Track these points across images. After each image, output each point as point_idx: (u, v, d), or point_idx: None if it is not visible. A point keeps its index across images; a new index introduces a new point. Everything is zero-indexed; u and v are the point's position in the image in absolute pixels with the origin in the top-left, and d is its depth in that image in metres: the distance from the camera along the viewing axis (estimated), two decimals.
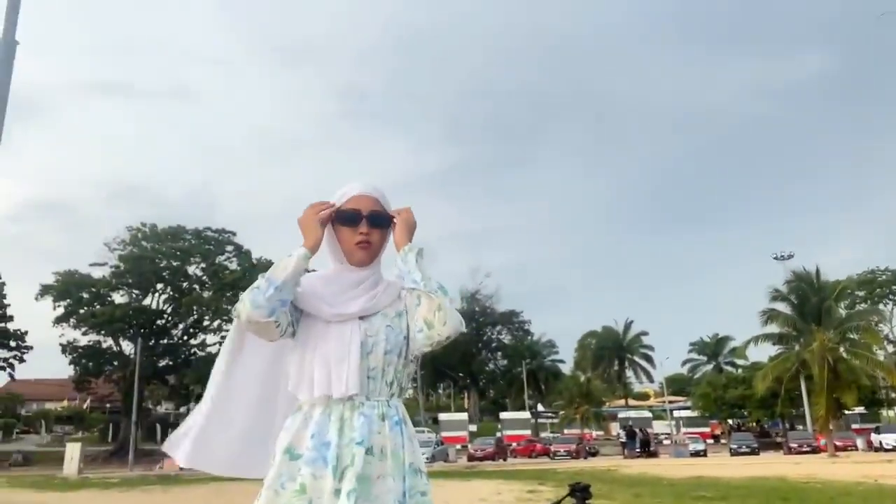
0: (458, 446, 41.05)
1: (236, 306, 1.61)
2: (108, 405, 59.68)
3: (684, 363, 69.10)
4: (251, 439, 1.69)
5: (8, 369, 44.48)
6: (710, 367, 64.81)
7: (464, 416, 50.25)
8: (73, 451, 32.69)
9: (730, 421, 52.17)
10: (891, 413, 44.79)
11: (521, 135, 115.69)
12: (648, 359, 65.83)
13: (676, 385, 71.02)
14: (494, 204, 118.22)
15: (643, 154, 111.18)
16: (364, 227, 1.70)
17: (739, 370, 55.19)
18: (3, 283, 42.64)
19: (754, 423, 52.79)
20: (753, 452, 34.54)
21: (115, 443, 48.26)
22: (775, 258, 45.39)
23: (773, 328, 35.29)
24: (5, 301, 42.99)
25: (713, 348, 65.48)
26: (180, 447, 1.67)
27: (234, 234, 49.20)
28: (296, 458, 1.50)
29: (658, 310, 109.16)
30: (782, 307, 34.68)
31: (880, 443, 33.24)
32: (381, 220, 1.75)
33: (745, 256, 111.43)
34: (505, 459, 36.46)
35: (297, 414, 1.58)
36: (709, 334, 66.84)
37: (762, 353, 41.53)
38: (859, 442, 35.16)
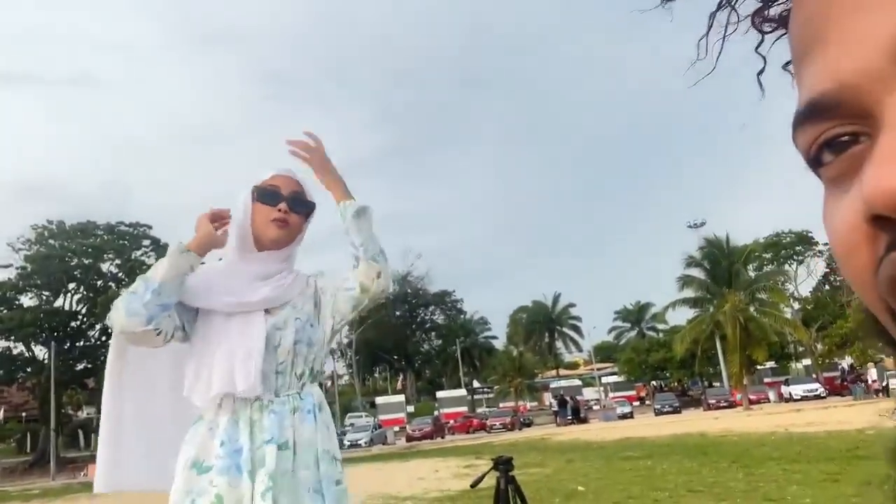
0: (397, 428, 41.28)
1: (109, 315, 1.48)
2: (23, 414, 56.40)
3: (610, 331, 71.83)
4: (166, 452, 1.55)
5: None
6: (633, 333, 67.62)
7: (400, 398, 50.48)
8: None
9: (653, 383, 54.69)
10: (799, 366, 48.09)
11: (447, 116, 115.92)
12: (577, 329, 68.06)
13: (604, 352, 73.74)
14: (423, 186, 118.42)
15: (565, 132, 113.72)
16: (283, 205, 1.58)
17: (661, 334, 57.94)
18: None
19: (676, 384, 55.58)
20: (676, 411, 36.39)
21: (34, 453, 45.67)
22: (689, 226, 47.58)
23: (689, 293, 37.25)
24: None
25: (636, 315, 68.28)
26: (96, 478, 1.56)
27: (149, 227, 47.14)
28: (205, 470, 1.40)
29: (584, 282, 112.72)
30: (696, 272, 36.58)
31: (790, 394, 35.67)
32: (302, 204, 1.63)
33: (663, 226, 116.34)
34: (443, 437, 36.95)
35: (198, 424, 1.47)
36: (632, 302, 69.71)
37: (680, 316, 43.53)
38: (771, 395, 37.61)
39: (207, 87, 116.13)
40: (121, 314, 1.47)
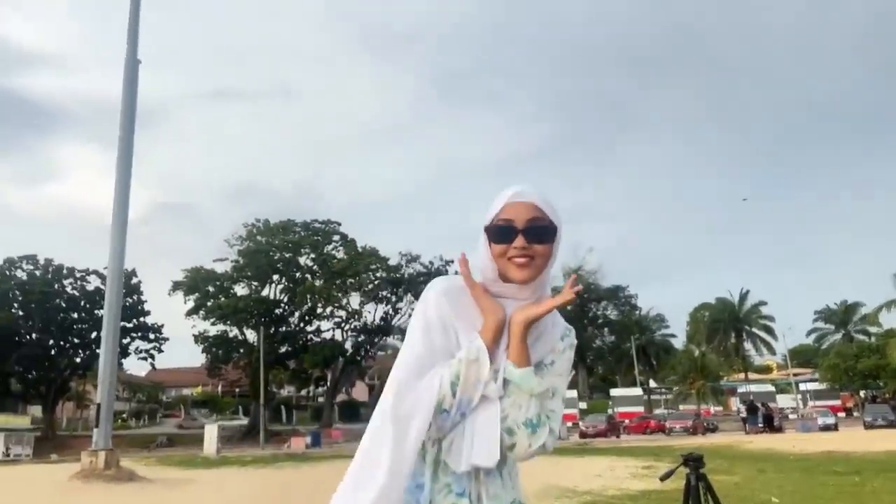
0: (570, 424, 40.95)
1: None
2: (237, 389, 64.43)
3: (809, 333, 64.77)
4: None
5: (149, 360, 48.86)
6: (838, 336, 60.36)
7: (573, 393, 49.87)
8: (211, 432, 35.63)
9: (862, 393, 48.57)
10: None
11: (622, 103, 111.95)
12: (769, 330, 62.26)
13: (801, 357, 66.74)
14: (598, 176, 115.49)
15: (759, 115, 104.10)
16: (520, 241, 1.36)
17: (872, 338, 51.11)
18: (140, 282, 46.73)
19: (890, 395, 48.86)
20: (891, 425, 32.11)
21: (247, 423, 51.97)
22: None
23: None
24: (143, 297, 47.14)
25: (841, 316, 60.90)
26: None
27: (339, 224, 51.31)
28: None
29: (777, 278, 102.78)
30: None
31: None
32: (542, 233, 1.39)
33: (879, 214, 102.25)
34: (618, 436, 35.99)
35: None
36: (836, 301, 62.29)
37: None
38: None
39: (386, 87, 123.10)
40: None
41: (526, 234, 1.37)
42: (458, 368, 1.33)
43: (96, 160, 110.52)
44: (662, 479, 3.27)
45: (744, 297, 63.67)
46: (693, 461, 3.18)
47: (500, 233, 1.38)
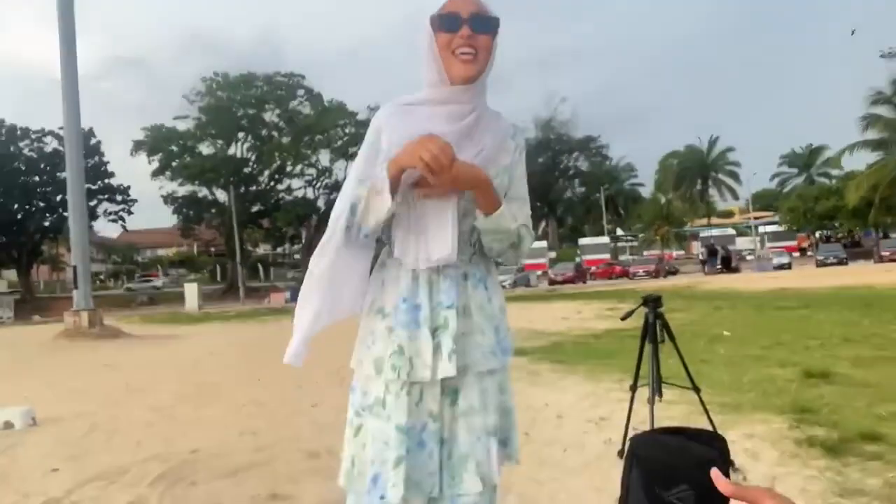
0: (539, 272, 42.60)
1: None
2: (212, 249, 64.97)
3: (773, 177, 66.41)
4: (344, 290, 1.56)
5: (119, 221, 48.52)
6: (801, 179, 62.01)
7: (542, 244, 51.35)
8: (191, 290, 36.40)
9: (818, 233, 50.84)
10: None
11: None
12: (734, 175, 63.63)
13: (763, 201, 68.86)
14: (572, 21, 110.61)
15: None
16: (465, 30, 1.42)
17: (833, 181, 52.65)
18: (100, 142, 45.15)
19: (845, 234, 51.32)
20: (841, 263, 34.03)
21: (224, 282, 53.02)
22: (882, 55, 40.96)
23: (873, 134, 33.07)
24: (104, 158, 45.79)
25: (805, 160, 62.18)
26: (296, 355, 1.54)
27: (302, 77, 49.18)
28: (385, 315, 1.48)
29: (746, 125, 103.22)
30: (884, 111, 32.14)
31: None
32: (486, 24, 1.44)
33: (846, 57, 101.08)
34: (585, 282, 37.70)
35: (383, 271, 1.53)
36: (801, 145, 63.24)
37: (858, 161, 39.10)
38: None
39: None
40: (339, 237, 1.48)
41: (471, 24, 1.43)
42: (361, 194, 1.43)
43: (37, 5, 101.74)
44: (623, 318, 3.48)
45: (713, 143, 64.28)
46: (652, 301, 3.36)
47: (445, 22, 1.44)
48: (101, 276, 59.37)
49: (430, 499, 1.45)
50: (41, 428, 5.28)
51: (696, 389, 3.37)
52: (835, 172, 53.85)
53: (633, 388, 3.40)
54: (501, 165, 1.50)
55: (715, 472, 0.66)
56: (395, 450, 1.40)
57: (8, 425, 5.22)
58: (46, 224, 45.17)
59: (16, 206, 43.73)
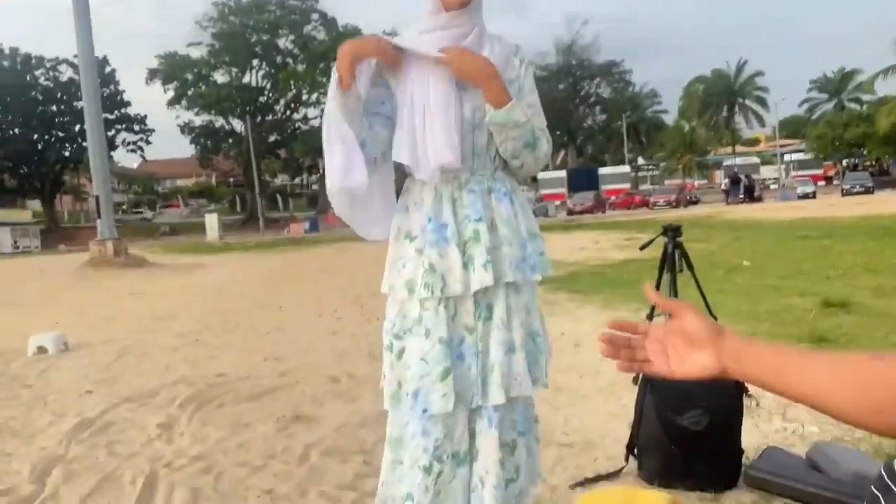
0: (558, 203, 42.26)
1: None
2: (231, 179, 65.19)
3: (802, 103, 64.07)
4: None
5: (138, 151, 48.66)
6: (831, 105, 59.82)
7: (562, 173, 50.71)
8: (212, 220, 36.84)
9: (845, 162, 49.49)
10: None
11: None
12: (762, 101, 61.45)
13: (791, 128, 66.82)
14: None
15: None
16: None
17: (864, 107, 50.77)
18: (114, 70, 44.72)
19: (872, 163, 49.94)
20: (868, 192, 33.27)
21: (244, 212, 53.45)
22: None
23: None
24: (120, 87, 45.48)
25: (836, 85, 59.75)
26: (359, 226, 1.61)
27: (316, 0, 47.79)
28: (413, 238, 1.52)
29: (776, 49, 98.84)
30: None
31: None
32: None
33: None
34: (604, 212, 37.42)
35: (407, 196, 1.57)
36: (833, 69, 60.66)
37: (893, 86, 37.50)
38: None
39: None
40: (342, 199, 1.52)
41: None
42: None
43: None
44: (642, 248, 3.45)
45: (740, 68, 61.89)
46: (671, 231, 3.32)
47: None
48: (123, 206, 60.10)
49: (471, 410, 1.53)
50: (73, 353, 5.48)
51: (714, 319, 3.37)
52: (867, 98, 51.87)
53: (650, 318, 3.42)
54: (507, 79, 1.52)
55: (646, 286, 0.68)
56: (440, 363, 1.47)
57: (41, 350, 5.43)
58: (67, 154, 45.47)
59: (35, 136, 43.96)
